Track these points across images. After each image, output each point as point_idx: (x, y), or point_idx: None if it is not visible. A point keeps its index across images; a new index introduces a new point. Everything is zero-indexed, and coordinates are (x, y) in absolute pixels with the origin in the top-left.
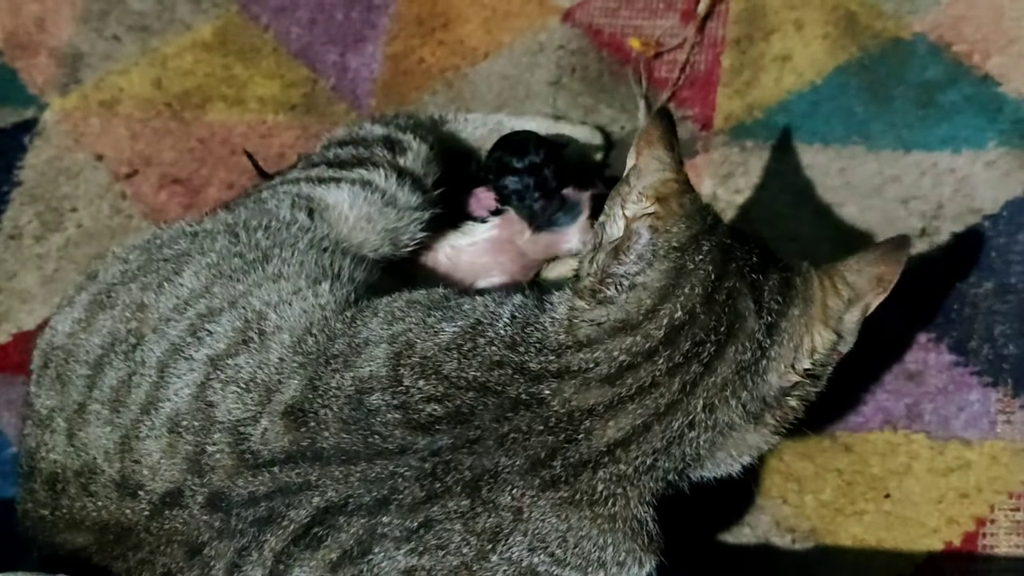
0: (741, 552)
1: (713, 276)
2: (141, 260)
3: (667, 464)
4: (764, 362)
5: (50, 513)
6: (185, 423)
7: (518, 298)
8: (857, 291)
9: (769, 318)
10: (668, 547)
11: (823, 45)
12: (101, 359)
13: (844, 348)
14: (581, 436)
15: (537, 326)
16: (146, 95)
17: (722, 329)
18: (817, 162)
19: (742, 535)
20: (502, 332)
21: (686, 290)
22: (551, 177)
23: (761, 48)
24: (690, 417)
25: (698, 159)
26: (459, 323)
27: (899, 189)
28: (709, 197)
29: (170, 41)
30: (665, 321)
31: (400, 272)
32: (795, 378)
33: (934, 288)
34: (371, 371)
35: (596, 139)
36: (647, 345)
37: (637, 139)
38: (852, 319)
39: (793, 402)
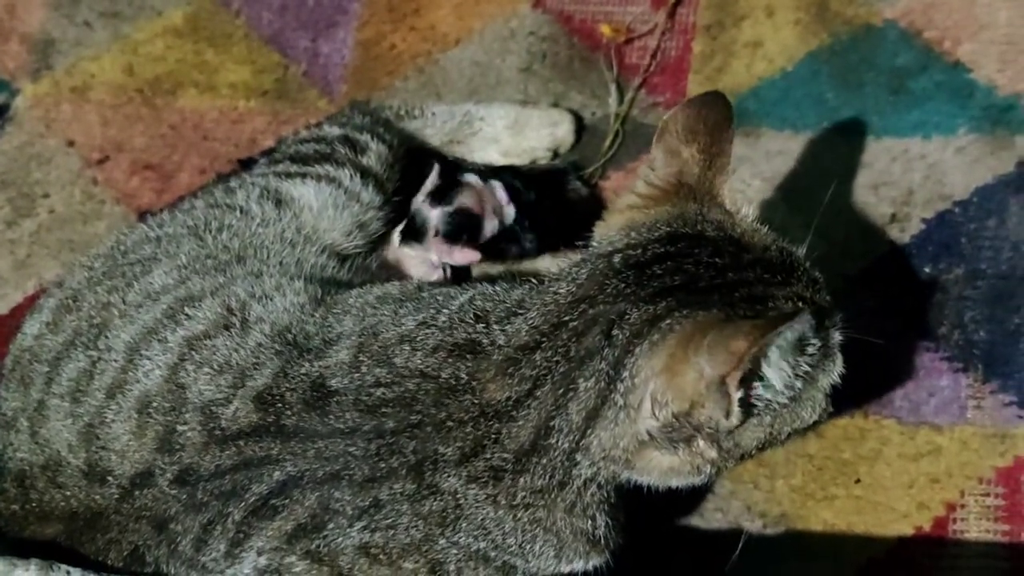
0: (712, 537)
1: (575, 296)
2: (106, 266)
3: (579, 481)
4: (616, 396)
5: (20, 508)
6: (155, 404)
7: (484, 286)
8: (710, 363)
9: (614, 354)
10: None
11: (794, 31)
12: (60, 355)
13: (725, 421)
14: (493, 438)
15: (488, 307)
16: (117, 81)
17: (571, 353)
18: (788, 148)
19: (714, 520)
20: (446, 316)
21: (551, 304)
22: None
23: (732, 34)
24: (569, 439)
25: None
26: (422, 314)
27: (870, 175)
28: None
29: (141, 27)
30: (528, 323)
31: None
32: (653, 423)
33: (904, 274)
34: (336, 359)
35: (564, 122)
36: (519, 342)
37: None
38: (711, 391)
39: (705, 447)
